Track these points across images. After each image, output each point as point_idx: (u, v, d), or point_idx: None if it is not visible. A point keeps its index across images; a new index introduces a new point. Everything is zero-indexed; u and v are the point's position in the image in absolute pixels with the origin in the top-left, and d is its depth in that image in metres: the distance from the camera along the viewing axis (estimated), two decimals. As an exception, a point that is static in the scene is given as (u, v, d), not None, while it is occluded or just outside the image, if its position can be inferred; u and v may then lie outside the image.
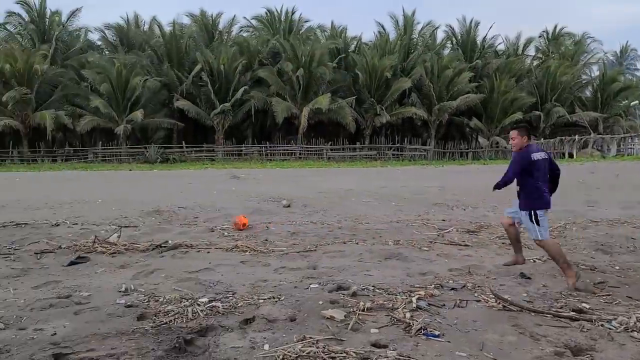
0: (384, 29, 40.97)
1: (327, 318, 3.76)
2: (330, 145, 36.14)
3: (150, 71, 36.31)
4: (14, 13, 37.83)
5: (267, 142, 36.35)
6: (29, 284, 4.90)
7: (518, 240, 5.40)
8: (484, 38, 42.14)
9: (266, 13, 41.90)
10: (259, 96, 34.82)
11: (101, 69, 34.11)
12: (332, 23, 42.21)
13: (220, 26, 40.77)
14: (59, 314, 3.97)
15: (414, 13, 40.33)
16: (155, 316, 3.88)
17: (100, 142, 36.20)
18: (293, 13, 41.52)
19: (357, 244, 6.83)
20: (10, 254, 6.17)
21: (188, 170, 26.05)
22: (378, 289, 4.54)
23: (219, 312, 3.95)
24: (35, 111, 33.32)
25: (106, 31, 40.64)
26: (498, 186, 5.25)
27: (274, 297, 4.30)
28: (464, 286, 4.69)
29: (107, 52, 40.30)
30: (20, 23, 38.38)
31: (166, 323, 3.72)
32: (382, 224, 8.63)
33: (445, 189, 14.44)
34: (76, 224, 8.34)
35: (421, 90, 37.20)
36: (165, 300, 4.26)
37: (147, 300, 4.29)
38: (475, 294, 4.45)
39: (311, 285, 4.68)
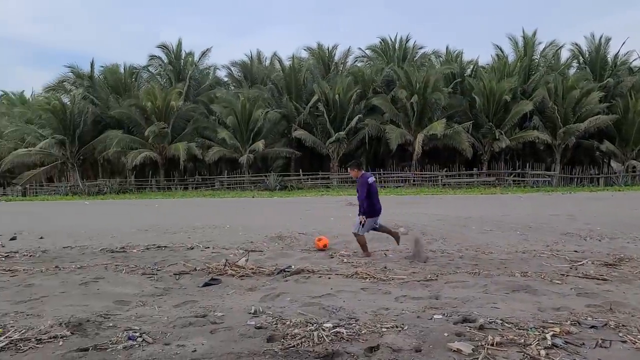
0: (502, 52, 39.53)
1: (454, 351, 3.66)
2: (446, 171, 35.31)
3: (270, 104, 38.39)
4: (155, 56, 42.45)
5: (381, 169, 36.43)
6: (170, 302, 5.36)
7: (389, 230, 8.51)
8: (616, 55, 38.87)
9: (380, 42, 42.55)
10: (372, 124, 35.21)
11: (227, 103, 36.76)
12: (447, 48, 41.71)
13: (336, 58, 42.14)
14: (197, 332, 4.28)
15: (534, 33, 38.45)
16: (283, 339, 4.03)
17: (226, 171, 38.80)
18: (407, 41, 41.71)
19: (480, 274, 6.56)
20: (154, 274, 6.81)
21: (305, 197, 26.90)
22: (507, 322, 4.32)
23: (344, 338, 4.01)
24: (170, 143, 36.72)
25: (232, 68, 43.96)
26: (364, 209, 7.92)
27: (397, 326, 4.28)
28: (605, 324, 4.30)
29: (232, 87, 43.46)
30: (160, 65, 42.92)
31: (294, 346, 3.85)
32: (506, 254, 8.22)
33: (576, 217, 13.40)
34: (208, 247, 9.00)
35: (544, 113, 35.15)
36: (291, 323, 4.42)
37: (275, 322, 4.48)
38: (620, 334, 4.06)
39: (435, 316, 4.58)
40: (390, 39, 42.15)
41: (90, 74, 40.44)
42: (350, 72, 39.65)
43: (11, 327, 4.38)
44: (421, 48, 42.36)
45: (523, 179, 34.45)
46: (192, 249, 8.88)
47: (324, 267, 7.09)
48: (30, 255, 8.47)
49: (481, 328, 4.16)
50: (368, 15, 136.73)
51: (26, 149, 38.47)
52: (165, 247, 9.07)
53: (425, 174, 35.44)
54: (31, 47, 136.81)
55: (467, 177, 35.06)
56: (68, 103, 39.08)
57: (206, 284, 6.14)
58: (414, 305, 5.05)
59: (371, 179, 7.97)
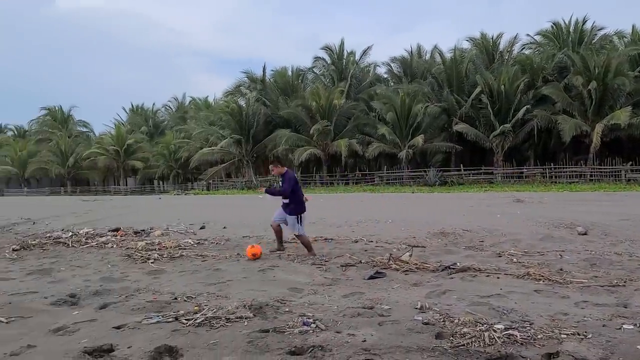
0: None
1: (650, 366, 3.27)
2: (631, 165, 31.23)
3: (430, 98, 37.77)
4: (319, 58, 44.62)
5: (551, 164, 33.59)
6: (339, 292, 5.61)
7: (281, 236, 8.13)
8: None
9: (552, 26, 39.13)
10: (542, 114, 32.63)
11: (387, 99, 37.07)
12: (632, 27, 36.70)
13: (501, 46, 39.87)
14: (366, 323, 4.41)
15: None
16: (452, 337, 3.97)
17: (385, 166, 39.18)
18: (584, 22, 37.72)
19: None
20: (322, 264, 7.20)
21: (467, 192, 25.96)
22: None
23: (517, 342, 3.82)
24: (333, 140, 38.24)
25: (392, 64, 44.21)
26: (272, 192, 7.96)
27: (578, 334, 3.95)
28: None
29: (392, 84, 43.72)
30: (323, 65, 44.98)
31: (464, 345, 3.78)
32: None
33: None
34: (371, 241, 9.21)
35: None
36: (460, 322, 4.32)
37: (442, 319, 4.43)
38: None
39: (624, 326, 4.12)
40: (564, 22, 38.58)
41: (262, 78, 43.96)
42: (516, 60, 37.22)
43: (205, 305, 4.98)
44: (601, 29, 38.01)
45: None
46: (357, 242, 9.18)
47: (491, 266, 6.81)
48: (217, 243, 9.53)
49: (685, 344, 3.64)
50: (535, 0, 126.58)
51: (209, 148, 43.23)
52: (331, 239, 9.51)
53: (604, 169, 31.79)
54: (213, 56, 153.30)
55: (659, 172, 30.64)
56: (244, 105, 42.97)
57: (371, 277, 6.31)
58: (598, 312, 4.61)
59: (296, 177, 7.98)
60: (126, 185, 57.65)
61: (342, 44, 43.24)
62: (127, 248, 9.17)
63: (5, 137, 67.12)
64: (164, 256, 8.16)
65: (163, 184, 56.55)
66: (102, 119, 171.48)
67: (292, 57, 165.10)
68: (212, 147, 43.31)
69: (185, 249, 8.87)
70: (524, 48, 40.77)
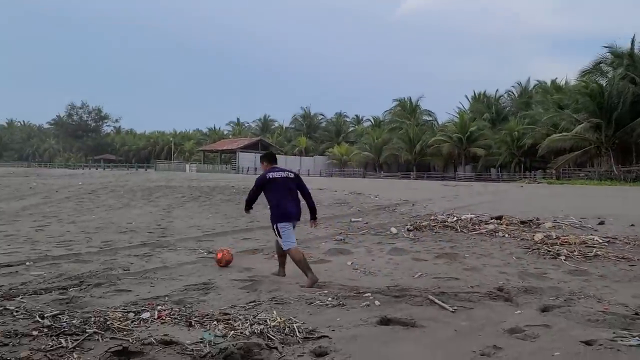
0: None
1: None
2: None
3: None
4: None
5: None
6: None
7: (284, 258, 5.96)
8: None
9: None
10: None
11: None
12: None
13: None
14: None
15: None
16: None
17: None
18: None
19: None
20: None
21: None
22: None
23: None
24: None
25: None
26: (247, 205, 6.20)
27: None
28: None
29: None
30: None
31: None
32: None
33: None
34: None
35: None
36: None
37: None
38: None
39: None
40: None
41: (630, 52, 37.55)
42: None
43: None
44: None
45: None
46: None
47: None
48: (633, 244, 7.94)
49: None
50: None
51: (561, 134, 39.43)
52: None
53: None
54: (554, 38, 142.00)
55: None
56: (605, 85, 37.62)
57: None
58: None
59: (277, 174, 5.83)
60: (464, 172, 58.15)
61: None
62: (522, 239, 8.50)
63: (364, 127, 77.10)
64: (574, 253, 7.13)
65: (501, 171, 54.68)
66: (445, 107, 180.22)
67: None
68: (564, 133, 39.23)
69: (594, 247, 7.61)
70: None
